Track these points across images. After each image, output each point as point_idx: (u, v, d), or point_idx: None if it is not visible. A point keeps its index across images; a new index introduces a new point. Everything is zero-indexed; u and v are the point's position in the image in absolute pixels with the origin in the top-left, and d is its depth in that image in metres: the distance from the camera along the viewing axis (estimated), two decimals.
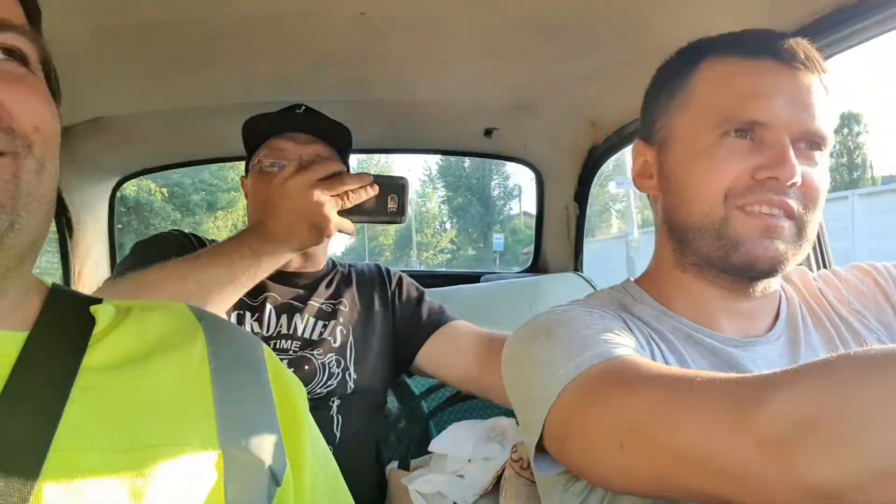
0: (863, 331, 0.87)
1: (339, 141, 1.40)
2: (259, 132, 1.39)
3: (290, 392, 0.69)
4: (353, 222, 1.18)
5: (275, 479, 0.62)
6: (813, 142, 0.80)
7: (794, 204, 0.78)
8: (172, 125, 1.81)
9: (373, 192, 1.16)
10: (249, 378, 0.66)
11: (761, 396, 0.54)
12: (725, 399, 0.57)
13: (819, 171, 0.80)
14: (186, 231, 1.44)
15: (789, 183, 0.76)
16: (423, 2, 1.21)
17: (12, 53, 0.55)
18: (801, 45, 0.80)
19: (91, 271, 1.97)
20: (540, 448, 0.75)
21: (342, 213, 1.14)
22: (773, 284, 0.86)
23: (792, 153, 0.76)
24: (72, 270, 1.91)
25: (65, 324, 0.60)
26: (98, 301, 0.65)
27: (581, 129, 1.91)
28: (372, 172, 1.22)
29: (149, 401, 0.57)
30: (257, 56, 1.42)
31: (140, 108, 1.64)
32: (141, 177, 2.14)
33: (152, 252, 1.29)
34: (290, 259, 1.19)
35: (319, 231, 1.13)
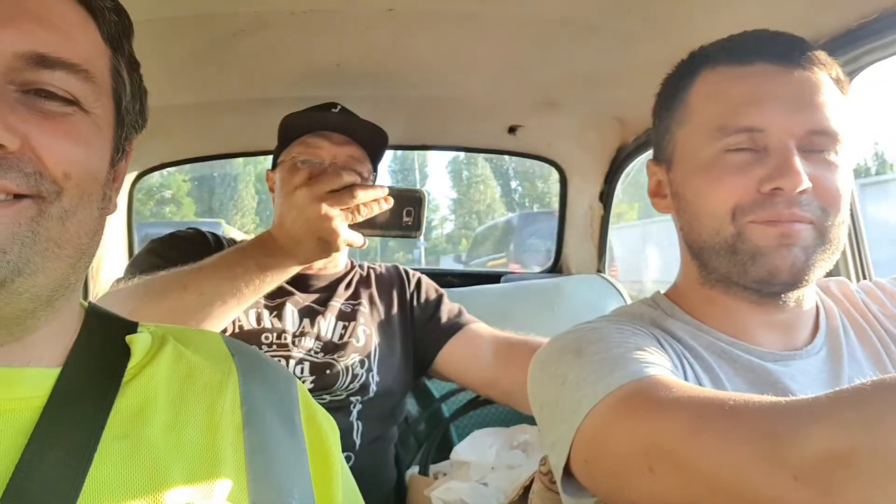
0: None
1: (375, 145, 1.38)
2: (295, 127, 1.36)
3: (323, 434, 0.67)
4: (365, 236, 1.13)
5: None
6: (821, 142, 0.75)
7: (808, 212, 0.74)
8: (193, 119, 1.79)
9: (387, 205, 1.10)
10: (282, 421, 0.64)
11: (797, 428, 0.52)
12: (759, 426, 0.55)
13: (835, 171, 0.76)
14: (204, 230, 1.42)
15: (797, 191, 0.72)
16: None
17: (56, 95, 0.52)
18: (796, 42, 0.77)
19: (110, 265, 1.96)
20: (566, 471, 0.72)
21: (354, 226, 1.08)
22: (807, 295, 0.83)
23: (797, 159, 0.72)
24: (89, 267, 1.90)
25: (99, 358, 0.58)
26: (134, 327, 0.63)
27: (609, 127, 1.88)
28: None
29: (180, 450, 0.56)
30: (281, 52, 1.40)
31: (161, 101, 1.60)
32: (159, 170, 2.13)
33: (166, 250, 1.28)
34: (296, 272, 1.14)
35: (328, 245, 1.08)
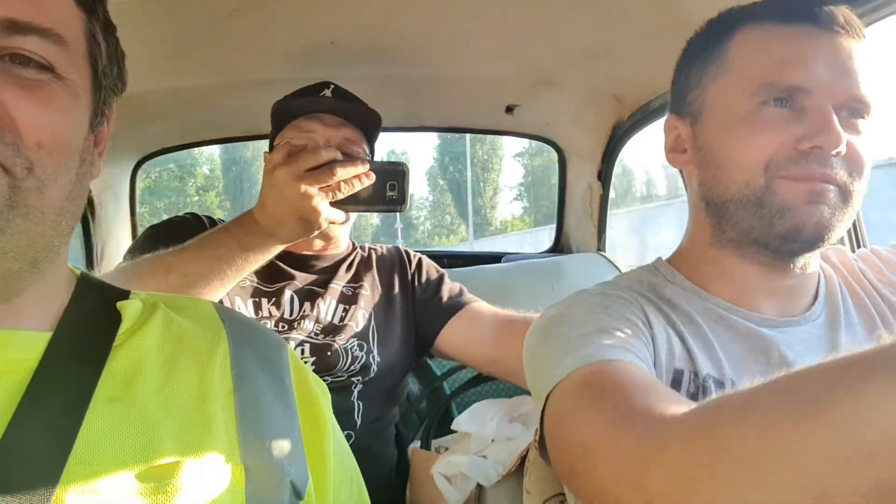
0: None
1: (369, 125, 1.38)
2: (289, 110, 1.36)
3: (314, 398, 0.68)
4: (349, 211, 1.11)
5: (297, 492, 0.61)
6: (856, 109, 0.76)
7: (839, 173, 0.75)
8: (192, 103, 1.80)
9: (368, 180, 1.07)
10: (272, 384, 0.64)
11: (660, 447, 0.53)
12: (636, 440, 0.57)
13: (863, 139, 0.77)
14: (201, 214, 1.42)
15: (834, 152, 0.73)
16: None
17: (30, 61, 0.52)
18: (840, 10, 0.77)
19: (113, 250, 1.98)
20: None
21: (336, 203, 1.06)
22: (812, 262, 0.84)
23: (836, 120, 0.73)
24: (94, 250, 1.92)
25: (90, 322, 0.59)
26: (125, 295, 0.64)
27: (605, 105, 1.88)
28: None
29: (171, 412, 0.56)
30: (276, 31, 1.40)
31: (159, 85, 1.63)
32: (161, 155, 2.14)
33: (163, 236, 1.27)
34: (279, 251, 1.13)
35: (309, 224, 1.06)
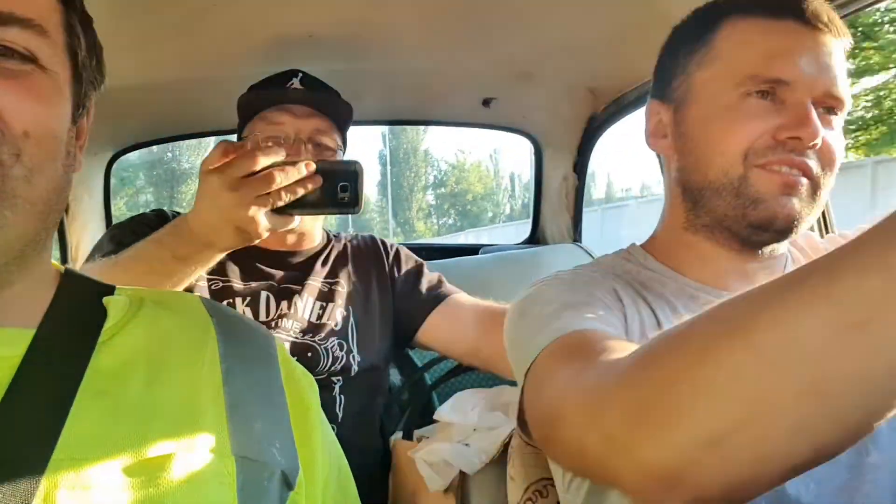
0: None
1: (340, 115, 1.35)
2: (256, 101, 1.33)
3: (303, 391, 0.68)
4: (293, 215, 1.01)
5: (287, 483, 0.61)
6: (831, 105, 0.80)
7: (812, 165, 0.78)
8: (166, 97, 1.78)
9: (314, 184, 0.97)
10: (261, 379, 0.65)
11: (614, 384, 0.55)
12: (595, 382, 0.58)
13: (836, 135, 0.80)
14: (168, 211, 1.37)
15: (811, 144, 0.76)
16: None
17: (13, 52, 0.53)
18: (824, 8, 0.80)
19: (88, 246, 1.95)
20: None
21: (279, 208, 0.97)
22: (780, 247, 0.87)
23: (814, 114, 0.76)
24: (69, 245, 1.90)
25: (75, 318, 0.58)
26: (110, 290, 0.63)
27: (580, 98, 1.90)
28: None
29: (161, 407, 0.56)
30: (253, 25, 1.39)
31: (134, 80, 1.61)
32: (135, 150, 2.12)
33: (126, 237, 1.24)
34: (219, 259, 1.05)
35: (247, 234, 0.97)
